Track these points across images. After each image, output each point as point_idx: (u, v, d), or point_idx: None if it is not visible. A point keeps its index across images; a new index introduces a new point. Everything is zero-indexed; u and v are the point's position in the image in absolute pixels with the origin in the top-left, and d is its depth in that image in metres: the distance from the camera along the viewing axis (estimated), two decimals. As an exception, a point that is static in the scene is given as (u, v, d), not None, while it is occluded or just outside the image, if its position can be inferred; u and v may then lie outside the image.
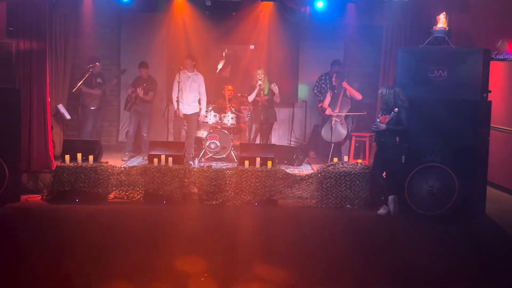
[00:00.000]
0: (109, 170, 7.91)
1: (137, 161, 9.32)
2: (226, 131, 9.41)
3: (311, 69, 10.80)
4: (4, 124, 7.59)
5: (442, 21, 7.81)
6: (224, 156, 9.34)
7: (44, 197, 7.91)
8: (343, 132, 9.44)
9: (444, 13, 7.82)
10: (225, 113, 9.56)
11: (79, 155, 7.99)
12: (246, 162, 7.98)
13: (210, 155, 9.34)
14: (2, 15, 7.97)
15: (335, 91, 9.63)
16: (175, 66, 9.79)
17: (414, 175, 7.42)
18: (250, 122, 9.75)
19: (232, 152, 9.39)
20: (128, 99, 9.85)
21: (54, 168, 8.02)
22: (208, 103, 9.72)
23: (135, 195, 7.89)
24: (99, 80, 9.94)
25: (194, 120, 9.62)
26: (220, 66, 11.07)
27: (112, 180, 7.89)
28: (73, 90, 9.59)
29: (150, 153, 8.17)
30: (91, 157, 7.98)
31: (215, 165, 8.69)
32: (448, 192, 7.18)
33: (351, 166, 7.99)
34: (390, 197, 7.37)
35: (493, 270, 5.62)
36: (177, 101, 9.29)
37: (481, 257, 6.01)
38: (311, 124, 10.63)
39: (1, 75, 7.59)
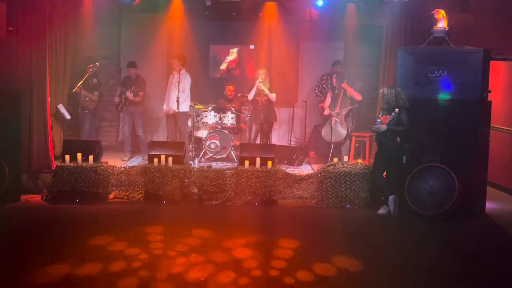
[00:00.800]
0: (109, 170, 7.92)
1: (137, 161, 9.32)
2: (226, 131, 9.41)
3: (311, 69, 10.80)
4: (4, 124, 7.59)
5: (442, 21, 7.81)
6: (224, 156, 9.35)
7: (44, 197, 7.91)
8: (343, 132, 9.44)
9: (443, 10, 7.81)
10: (225, 113, 9.56)
11: (79, 155, 7.99)
12: (246, 162, 7.99)
13: (210, 155, 9.35)
14: (2, 15, 7.96)
15: (335, 91, 9.63)
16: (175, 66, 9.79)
17: (414, 175, 7.42)
18: (250, 122, 9.75)
19: (232, 152, 9.39)
20: (118, 100, 9.85)
21: (54, 168, 8.02)
22: (208, 103, 9.74)
23: (135, 195, 7.89)
24: (94, 81, 9.94)
25: (184, 119, 9.64)
26: (223, 67, 11.05)
27: (112, 180, 7.90)
28: (73, 90, 9.60)
29: (150, 153, 8.17)
30: (91, 157, 7.98)
31: (215, 165, 8.69)
32: (448, 192, 7.18)
33: (351, 166, 7.99)
34: (390, 197, 7.37)
35: (493, 270, 5.63)
36: (178, 101, 9.31)
37: (481, 257, 6.01)
38: (311, 124, 10.63)
39: (1, 75, 7.58)
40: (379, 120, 7.43)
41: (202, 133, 9.71)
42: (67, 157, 7.93)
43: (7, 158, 7.56)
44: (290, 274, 5.26)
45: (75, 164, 7.87)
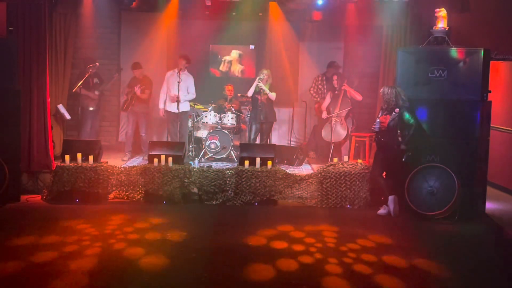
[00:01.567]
0: (109, 170, 7.92)
1: (137, 161, 9.32)
2: (226, 131, 9.41)
3: (311, 69, 10.80)
4: (4, 124, 7.59)
5: (442, 21, 7.81)
6: (224, 156, 9.35)
7: (44, 197, 7.91)
8: (343, 132, 9.45)
9: (444, 9, 7.81)
10: (225, 113, 9.56)
11: (79, 155, 7.99)
12: (246, 162, 7.99)
13: (210, 155, 9.35)
14: (2, 15, 7.96)
15: (336, 92, 9.63)
16: (175, 66, 9.79)
17: (414, 175, 7.42)
18: (250, 122, 9.75)
19: (232, 152, 9.39)
20: (124, 99, 9.88)
21: (54, 168, 8.02)
22: (208, 103, 9.75)
23: (135, 195, 7.89)
24: (96, 80, 9.95)
25: (185, 118, 9.65)
26: (222, 67, 11.06)
27: (112, 180, 7.90)
28: (73, 90, 9.60)
29: (150, 153, 8.17)
30: (91, 157, 7.98)
31: (215, 165, 8.69)
32: (448, 192, 7.18)
33: (351, 166, 7.99)
34: (390, 197, 7.37)
35: (493, 270, 5.62)
36: (178, 101, 9.31)
37: (481, 257, 6.00)
38: (311, 124, 10.62)
39: (1, 75, 7.58)
40: (378, 120, 7.43)
41: (202, 133, 9.72)
42: (67, 157, 7.93)
43: (7, 158, 7.57)
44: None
45: (75, 164, 7.87)
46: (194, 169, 8.02)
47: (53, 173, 7.96)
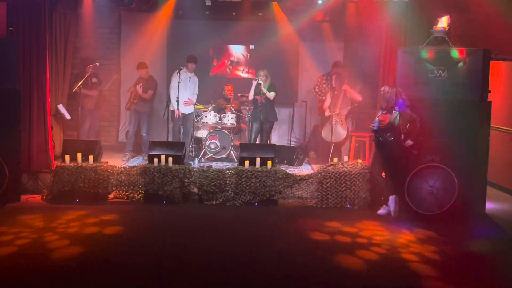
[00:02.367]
0: (109, 170, 7.92)
1: (137, 161, 9.32)
2: (226, 131, 9.41)
3: (311, 69, 10.80)
4: (4, 124, 7.59)
5: (442, 22, 7.80)
6: (224, 156, 9.35)
7: (44, 197, 7.91)
8: (343, 132, 9.45)
9: (448, 16, 7.81)
10: (225, 113, 9.56)
11: (79, 155, 7.99)
12: (246, 162, 7.99)
13: (210, 155, 9.35)
14: (2, 15, 7.96)
15: (335, 92, 9.64)
16: (175, 66, 9.80)
17: (414, 175, 7.42)
18: (250, 122, 9.75)
19: (232, 152, 9.39)
20: (128, 98, 9.89)
21: (54, 168, 8.02)
22: (208, 103, 9.76)
23: (135, 195, 7.89)
24: (94, 80, 9.95)
25: (190, 120, 9.65)
26: (222, 67, 11.07)
27: (112, 180, 7.89)
28: (73, 90, 9.61)
29: (150, 153, 8.17)
30: (91, 157, 7.98)
31: (215, 165, 8.69)
32: (448, 192, 7.18)
33: (351, 166, 7.99)
34: (391, 197, 7.37)
35: (493, 270, 5.62)
36: (177, 101, 9.30)
37: (481, 257, 6.00)
38: (311, 124, 10.63)
39: (1, 75, 7.58)
40: (377, 119, 7.43)
41: (202, 133, 9.72)
42: (67, 157, 7.93)
43: (7, 158, 7.56)
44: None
45: (75, 164, 7.87)
46: (194, 169, 8.02)
47: (53, 173, 7.96)
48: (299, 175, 8.07)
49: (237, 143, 9.64)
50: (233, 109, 9.67)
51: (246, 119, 9.90)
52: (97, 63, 9.83)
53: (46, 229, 6.47)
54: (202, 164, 8.53)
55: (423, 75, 7.61)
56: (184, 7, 10.13)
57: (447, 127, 7.43)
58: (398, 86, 7.50)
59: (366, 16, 9.36)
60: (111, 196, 7.96)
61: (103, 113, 10.68)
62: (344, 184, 7.81)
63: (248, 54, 11.08)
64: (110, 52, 10.87)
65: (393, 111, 7.30)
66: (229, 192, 7.89)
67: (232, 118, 9.54)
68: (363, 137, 9.48)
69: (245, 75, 10.99)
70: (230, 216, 7.32)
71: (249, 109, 9.78)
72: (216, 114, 9.56)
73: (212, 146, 9.35)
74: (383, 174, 7.59)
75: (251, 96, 9.47)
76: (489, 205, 7.79)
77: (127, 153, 9.71)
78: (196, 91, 9.84)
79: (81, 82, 9.53)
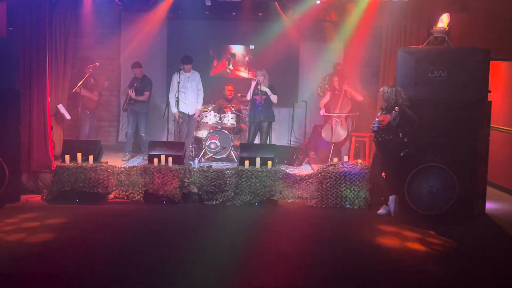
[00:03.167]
0: (109, 170, 7.92)
1: (137, 161, 9.32)
2: (226, 131, 9.41)
3: (311, 69, 10.80)
4: (4, 124, 7.59)
5: (442, 21, 7.80)
6: (224, 156, 9.35)
7: (44, 197, 7.91)
8: (343, 133, 9.45)
9: (448, 14, 7.81)
10: (225, 113, 9.56)
11: (79, 155, 8.00)
12: (246, 162, 7.99)
13: (210, 155, 9.35)
14: (2, 15, 7.95)
15: (336, 92, 9.64)
16: (175, 66, 9.79)
17: (414, 175, 7.42)
18: (249, 122, 9.75)
19: (232, 152, 9.39)
20: (124, 100, 9.89)
21: (54, 168, 8.02)
22: (208, 103, 9.75)
23: (135, 195, 7.89)
24: (92, 81, 9.95)
25: (194, 120, 9.66)
26: (222, 68, 11.07)
27: (112, 180, 7.89)
28: (73, 90, 9.61)
29: (150, 153, 8.17)
30: (91, 157, 7.99)
31: (215, 165, 8.69)
32: (448, 192, 7.18)
33: (351, 166, 7.99)
34: (391, 197, 7.37)
35: (493, 270, 5.62)
36: (177, 101, 9.28)
37: (481, 257, 6.00)
38: (311, 124, 10.63)
39: (1, 75, 7.58)
40: (377, 119, 7.42)
41: (202, 133, 9.72)
42: (67, 157, 7.94)
43: (7, 158, 7.56)
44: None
45: (75, 164, 7.87)
46: (194, 169, 8.02)
47: (53, 173, 7.96)
48: (299, 175, 8.07)
49: (237, 143, 9.64)
50: (233, 109, 9.67)
51: (246, 119, 9.89)
52: (97, 63, 9.83)
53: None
54: (202, 164, 8.53)
55: (423, 75, 7.61)
56: (184, 7, 10.12)
57: (447, 127, 7.44)
58: (397, 86, 7.49)
59: (366, 16, 9.36)
60: (111, 196, 7.96)
61: (103, 113, 10.67)
62: (344, 184, 7.81)
63: (248, 54, 11.08)
64: (110, 52, 10.86)
65: (393, 111, 7.29)
66: (229, 192, 7.89)
67: (232, 118, 9.54)
68: (363, 137, 9.49)
69: (245, 75, 10.99)
70: (230, 216, 7.33)
71: (249, 110, 9.77)
72: (216, 114, 9.56)
73: (212, 146, 9.35)
74: (383, 174, 7.59)
75: (249, 96, 9.47)
76: (489, 205, 7.79)
77: (127, 153, 9.70)
78: (200, 87, 9.74)
79: (81, 82, 9.53)
